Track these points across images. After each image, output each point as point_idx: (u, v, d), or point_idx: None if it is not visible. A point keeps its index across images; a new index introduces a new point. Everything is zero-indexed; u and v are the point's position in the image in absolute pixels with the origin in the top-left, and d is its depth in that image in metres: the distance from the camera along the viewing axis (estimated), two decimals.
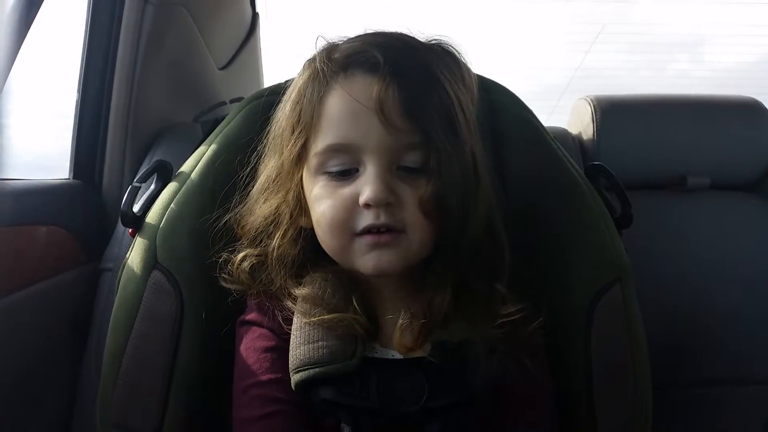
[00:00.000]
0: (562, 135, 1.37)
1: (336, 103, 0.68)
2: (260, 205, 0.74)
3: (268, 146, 0.75)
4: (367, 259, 0.67)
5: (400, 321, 0.68)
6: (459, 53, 0.73)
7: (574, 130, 1.40)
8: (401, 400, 0.67)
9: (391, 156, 0.66)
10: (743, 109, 1.38)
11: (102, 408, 0.75)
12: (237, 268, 0.74)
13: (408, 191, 0.66)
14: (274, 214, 0.73)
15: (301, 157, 0.70)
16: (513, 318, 0.68)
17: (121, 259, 0.81)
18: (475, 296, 0.70)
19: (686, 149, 1.35)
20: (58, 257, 1.05)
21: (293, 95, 0.71)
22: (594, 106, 1.35)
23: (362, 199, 0.65)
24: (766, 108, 1.38)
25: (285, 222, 0.73)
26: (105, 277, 1.09)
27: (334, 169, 0.68)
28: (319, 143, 0.68)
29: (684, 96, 1.44)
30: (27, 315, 0.97)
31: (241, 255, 0.74)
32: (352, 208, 0.67)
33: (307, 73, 0.71)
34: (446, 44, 0.72)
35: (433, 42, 0.72)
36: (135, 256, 0.77)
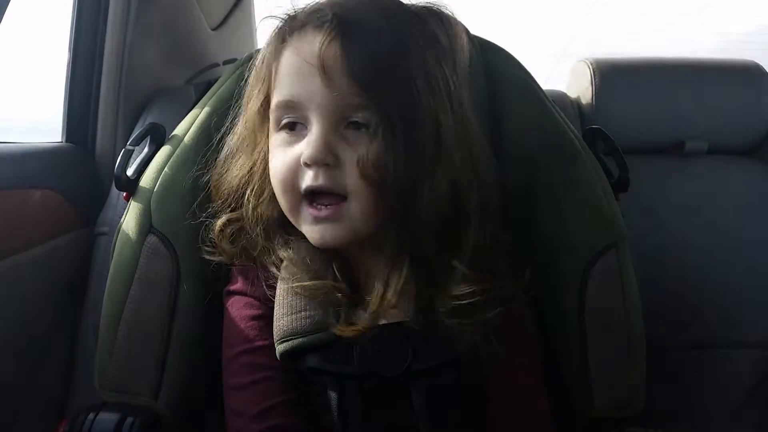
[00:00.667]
0: (561, 98, 1.36)
1: (286, 59, 0.67)
2: (233, 164, 0.74)
3: (241, 107, 0.75)
4: (312, 231, 0.68)
5: (374, 292, 0.68)
6: (446, 15, 0.70)
7: (572, 93, 1.38)
8: (386, 364, 0.67)
9: (336, 115, 0.65)
10: (743, 73, 1.37)
11: (100, 372, 0.75)
12: (219, 235, 0.74)
13: (350, 153, 0.64)
14: (247, 173, 0.73)
15: (263, 115, 0.71)
16: (467, 300, 0.66)
17: (116, 223, 0.80)
18: (433, 271, 0.69)
19: (685, 113, 1.34)
20: (52, 221, 1.04)
21: (258, 55, 0.71)
22: (593, 69, 1.34)
23: (302, 158, 0.65)
24: (766, 72, 1.37)
25: (256, 180, 0.72)
26: (100, 242, 1.08)
27: (283, 121, 0.68)
28: (273, 100, 0.68)
29: (684, 59, 1.42)
30: (22, 280, 0.96)
31: (221, 221, 0.74)
32: (296, 167, 0.66)
33: (272, 33, 0.70)
34: (433, 6, 0.70)
35: (419, 5, 0.70)
36: (129, 220, 0.77)
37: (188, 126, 0.82)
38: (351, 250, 0.72)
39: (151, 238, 0.76)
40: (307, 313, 0.68)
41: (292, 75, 0.67)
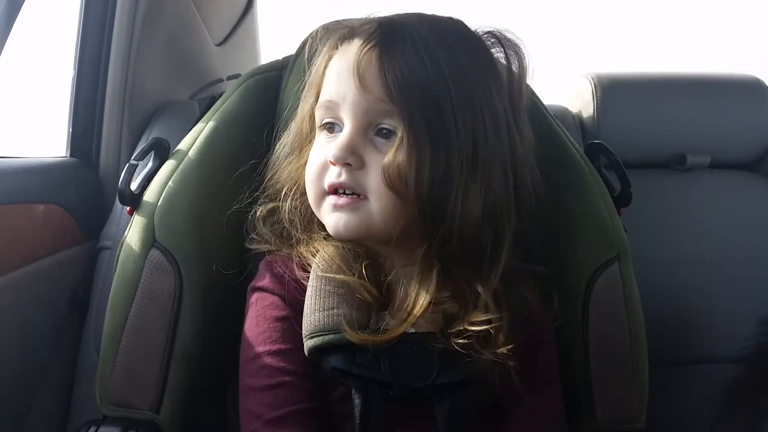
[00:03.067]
0: (562, 113, 1.36)
1: (333, 64, 0.71)
2: (286, 164, 0.77)
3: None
4: (329, 218, 0.70)
5: (405, 302, 0.68)
6: (509, 41, 0.72)
7: (574, 108, 1.39)
8: (411, 375, 0.67)
9: (365, 118, 0.67)
10: (744, 88, 1.38)
11: (101, 386, 0.75)
12: (261, 222, 0.77)
13: (376, 157, 0.66)
14: (296, 172, 0.76)
15: (312, 118, 0.74)
16: (478, 329, 0.66)
17: (119, 237, 0.81)
18: (461, 291, 0.68)
19: (686, 128, 1.35)
20: (55, 236, 1.04)
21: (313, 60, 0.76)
22: (594, 84, 1.34)
23: (327, 157, 0.68)
24: (767, 86, 1.37)
25: (302, 179, 0.74)
26: (103, 256, 1.09)
27: (322, 121, 0.71)
28: (318, 101, 0.72)
29: (685, 74, 1.43)
30: (25, 294, 0.97)
31: (264, 209, 0.77)
32: (325, 165, 0.69)
33: (324, 39, 0.75)
34: (496, 31, 0.72)
35: (485, 29, 0.72)
36: (133, 234, 0.77)
37: (192, 141, 0.82)
38: (380, 253, 0.72)
39: (154, 253, 0.76)
40: (339, 311, 0.68)
41: (334, 77, 0.70)
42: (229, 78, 1.32)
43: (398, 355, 0.67)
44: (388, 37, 0.67)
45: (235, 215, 0.80)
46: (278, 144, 0.79)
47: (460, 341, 0.66)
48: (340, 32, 0.72)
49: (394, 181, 0.65)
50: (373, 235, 0.69)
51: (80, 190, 1.12)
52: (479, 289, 0.67)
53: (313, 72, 0.75)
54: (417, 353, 0.68)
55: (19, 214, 0.97)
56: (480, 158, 0.66)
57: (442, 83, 0.65)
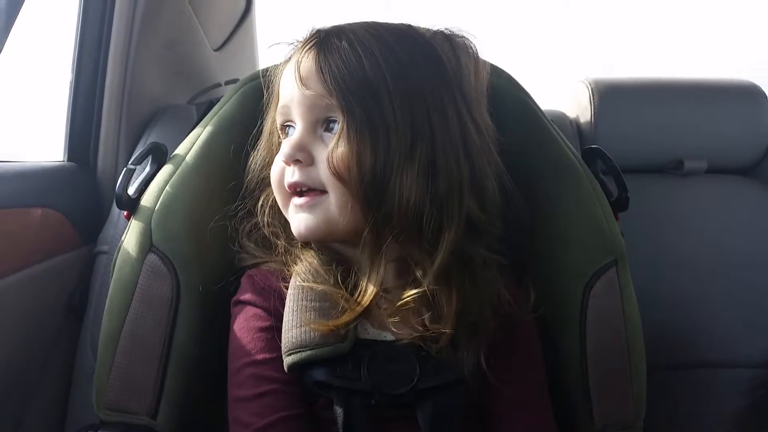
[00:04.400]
0: (560, 118, 1.36)
1: (284, 74, 0.75)
2: (259, 176, 0.79)
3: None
4: (293, 221, 0.72)
5: (358, 289, 0.70)
6: (456, 40, 0.74)
7: (571, 114, 1.39)
8: (393, 382, 0.68)
9: (311, 115, 0.71)
10: (741, 93, 1.38)
11: (98, 391, 0.75)
12: (245, 237, 0.78)
13: (324, 151, 0.69)
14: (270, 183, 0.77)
15: (276, 129, 0.77)
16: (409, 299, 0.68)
17: (117, 242, 0.81)
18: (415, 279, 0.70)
19: (683, 133, 1.35)
20: (52, 240, 1.04)
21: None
22: (592, 89, 1.35)
23: (280, 158, 0.72)
24: (764, 92, 1.38)
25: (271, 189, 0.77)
26: (100, 260, 1.09)
27: (280, 124, 0.75)
28: (276, 109, 0.76)
29: (682, 79, 1.43)
30: (22, 298, 0.96)
31: (248, 225, 0.79)
32: (283, 167, 0.73)
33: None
34: (446, 31, 0.74)
35: (433, 30, 0.74)
36: (130, 239, 0.77)
37: (190, 145, 0.82)
38: (351, 259, 0.73)
39: (152, 257, 0.76)
40: (315, 326, 0.68)
41: (284, 84, 0.74)
42: (227, 83, 1.32)
43: (378, 363, 0.68)
44: (326, 38, 0.71)
45: (231, 220, 0.80)
46: (250, 160, 0.80)
47: (437, 345, 0.68)
48: (289, 48, 0.76)
49: (338, 169, 0.67)
50: (334, 231, 0.70)
51: (77, 195, 1.12)
52: (419, 273, 0.69)
53: (271, 90, 0.79)
54: (396, 360, 0.68)
55: (16, 218, 0.96)
56: (420, 144, 0.68)
57: (378, 74, 0.68)
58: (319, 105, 0.70)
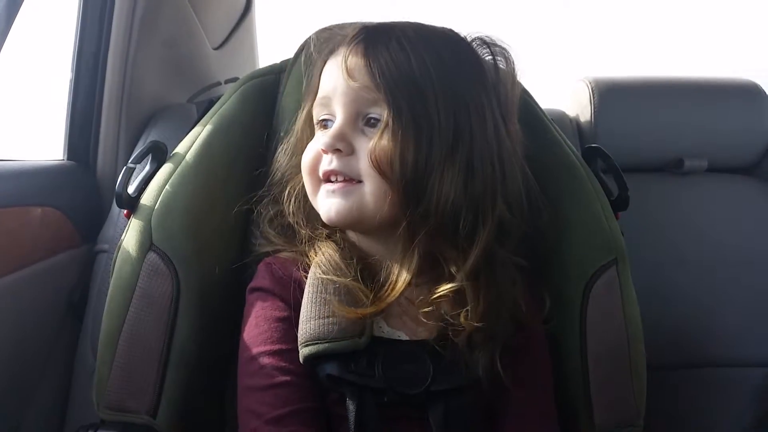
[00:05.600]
0: (560, 117, 1.36)
1: (327, 67, 0.75)
2: (288, 165, 0.80)
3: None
4: (323, 205, 0.72)
5: (387, 283, 0.70)
6: (496, 46, 0.76)
7: (571, 113, 1.39)
8: (406, 382, 0.68)
9: (354, 108, 0.71)
10: (742, 92, 1.38)
11: (98, 390, 0.75)
12: (267, 225, 0.79)
13: (365, 143, 0.69)
14: (298, 173, 0.78)
15: (311, 120, 0.77)
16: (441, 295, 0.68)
17: (117, 240, 0.81)
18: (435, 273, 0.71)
19: (684, 132, 1.35)
20: (53, 239, 1.04)
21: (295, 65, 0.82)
22: (592, 88, 1.35)
23: (319, 145, 0.72)
24: (764, 91, 1.38)
25: (300, 178, 0.77)
26: (100, 259, 1.08)
27: (319, 118, 0.75)
28: (315, 101, 0.76)
29: (682, 78, 1.43)
30: (22, 297, 0.96)
31: (267, 212, 0.80)
32: (318, 155, 0.72)
33: (319, 47, 0.80)
34: (486, 37, 0.76)
35: (474, 35, 0.76)
36: (130, 237, 0.77)
37: (190, 144, 0.82)
38: (373, 253, 0.74)
39: (151, 256, 0.76)
40: (335, 319, 0.69)
41: (326, 76, 0.74)
42: (227, 81, 1.32)
43: (393, 361, 0.68)
44: (374, 35, 0.72)
45: (232, 218, 0.80)
46: (280, 148, 0.81)
47: (453, 347, 0.68)
48: (333, 40, 0.77)
49: (380, 163, 0.68)
50: (364, 220, 0.71)
51: (77, 194, 1.12)
52: (453, 269, 0.70)
53: (310, 80, 0.79)
54: (411, 360, 0.69)
55: (16, 217, 0.96)
56: (461, 145, 0.69)
57: (425, 74, 0.69)
58: (364, 98, 0.70)
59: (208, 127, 0.83)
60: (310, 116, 0.77)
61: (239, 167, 0.84)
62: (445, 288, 0.69)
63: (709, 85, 1.40)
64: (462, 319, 0.68)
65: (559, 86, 1.50)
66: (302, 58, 0.85)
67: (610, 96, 1.34)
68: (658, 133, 1.35)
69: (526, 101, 0.86)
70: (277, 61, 0.91)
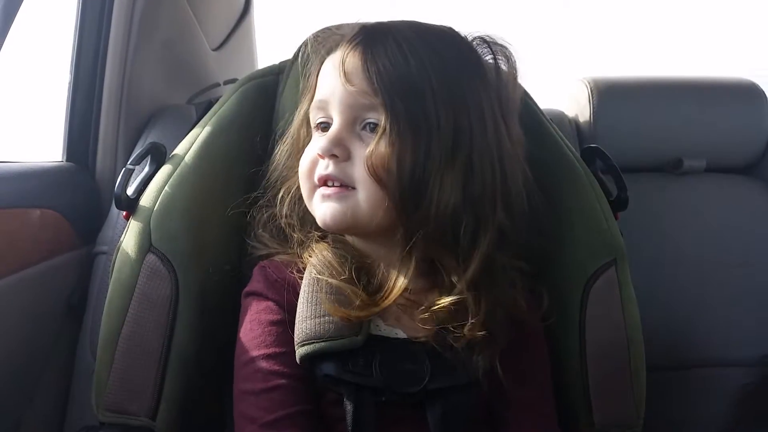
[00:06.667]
0: (559, 117, 1.36)
1: (324, 69, 0.74)
2: (283, 167, 0.80)
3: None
4: (319, 209, 0.71)
5: (385, 287, 0.70)
6: (497, 46, 0.75)
7: (570, 113, 1.39)
8: (404, 380, 0.68)
9: (352, 113, 0.70)
10: (740, 92, 1.38)
11: (98, 392, 0.75)
12: (262, 228, 0.79)
13: (362, 149, 0.69)
14: (294, 176, 0.77)
15: (308, 122, 0.76)
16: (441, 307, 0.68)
17: (116, 242, 0.80)
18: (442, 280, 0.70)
19: (683, 132, 1.35)
20: (51, 240, 1.04)
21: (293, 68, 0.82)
22: (591, 89, 1.35)
23: (316, 150, 0.71)
24: (762, 90, 1.38)
25: (296, 180, 0.77)
26: (99, 261, 1.08)
27: (316, 122, 0.74)
28: (312, 103, 0.75)
29: (681, 78, 1.43)
30: (21, 299, 0.96)
31: (261, 215, 0.79)
32: (315, 159, 0.72)
33: (316, 48, 0.78)
34: (486, 37, 0.75)
35: (475, 35, 0.75)
36: (129, 239, 0.77)
37: (189, 145, 0.82)
38: (369, 254, 0.73)
39: (151, 257, 0.76)
40: (331, 318, 0.68)
41: (324, 79, 0.73)
42: (226, 82, 1.32)
43: (390, 360, 0.68)
44: (372, 36, 0.71)
45: (231, 220, 0.80)
46: (276, 150, 0.81)
47: (451, 346, 0.68)
48: (331, 40, 0.76)
49: (377, 170, 0.67)
50: (359, 225, 0.70)
51: (76, 195, 1.11)
52: (454, 279, 0.69)
53: (307, 80, 0.78)
54: (409, 358, 0.68)
55: (15, 218, 0.96)
56: (461, 149, 0.68)
57: (423, 76, 0.68)
58: (361, 103, 0.69)
59: (207, 128, 0.83)
60: (307, 117, 0.76)
61: (239, 168, 0.84)
62: (446, 300, 0.68)
63: (708, 85, 1.40)
64: (465, 331, 0.67)
65: (558, 86, 1.50)
66: (299, 60, 0.84)
67: (609, 96, 1.34)
68: (657, 133, 1.35)
69: (525, 101, 0.86)
70: (276, 62, 0.91)
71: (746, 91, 1.38)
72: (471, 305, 0.68)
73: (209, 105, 0.89)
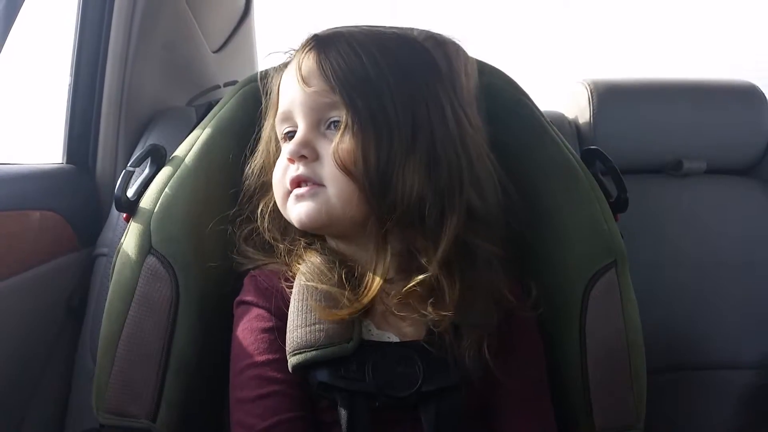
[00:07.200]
0: (559, 119, 1.36)
1: (283, 81, 0.77)
2: (257, 183, 0.80)
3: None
4: (293, 211, 0.73)
5: (363, 283, 0.71)
6: (446, 42, 0.77)
7: (570, 114, 1.39)
8: (396, 385, 0.68)
9: (315, 115, 0.72)
10: (740, 94, 1.38)
11: (98, 394, 0.75)
12: (245, 243, 0.79)
13: (329, 147, 0.70)
14: (269, 189, 0.78)
15: (276, 136, 0.78)
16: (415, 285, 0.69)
17: (116, 244, 0.81)
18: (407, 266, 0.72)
19: (682, 133, 1.35)
20: (52, 242, 1.04)
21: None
22: (590, 90, 1.35)
23: (285, 155, 0.73)
24: (762, 92, 1.38)
25: (271, 194, 0.77)
26: (100, 263, 1.08)
27: (283, 132, 0.76)
28: (276, 117, 0.77)
29: (681, 79, 1.43)
30: (21, 300, 0.96)
31: (241, 231, 0.79)
32: (286, 165, 0.73)
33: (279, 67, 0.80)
34: (436, 35, 0.77)
35: (424, 35, 0.77)
36: (129, 241, 0.77)
37: (189, 147, 0.82)
38: (354, 258, 0.74)
39: (151, 259, 0.76)
40: (321, 326, 0.69)
41: (284, 90, 0.76)
42: (226, 84, 1.32)
43: (383, 365, 0.68)
44: (324, 40, 0.74)
45: (230, 223, 0.80)
46: (247, 168, 0.81)
47: (441, 342, 0.68)
48: (286, 56, 0.79)
49: (345, 163, 0.69)
50: (334, 221, 0.71)
51: (77, 197, 1.12)
52: (426, 260, 0.70)
53: (268, 97, 0.80)
54: (401, 362, 0.69)
55: (15, 220, 0.96)
56: (421, 138, 0.71)
57: (378, 72, 0.70)
58: (323, 103, 0.71)
59: (208, 130, 0.83)
60: (275, 132, 0.78)
61: (239, 170, 0.84)
62: (417, 278, 0.69)
63: (708, 87, 1.40)
64: (430, 309, 0.68)
65: (558, 88, 1.50)
66: (259, 81, 0.84)
67: (609, 98, 1.34)
68: (657, 134, 1.35)
69: (524, 103, 0.86)
70: (276, 64, 0.91)
71: (746, 93, 1.38)
72: (445, 285, 0.69)
73: (209, 107, 0.89)
